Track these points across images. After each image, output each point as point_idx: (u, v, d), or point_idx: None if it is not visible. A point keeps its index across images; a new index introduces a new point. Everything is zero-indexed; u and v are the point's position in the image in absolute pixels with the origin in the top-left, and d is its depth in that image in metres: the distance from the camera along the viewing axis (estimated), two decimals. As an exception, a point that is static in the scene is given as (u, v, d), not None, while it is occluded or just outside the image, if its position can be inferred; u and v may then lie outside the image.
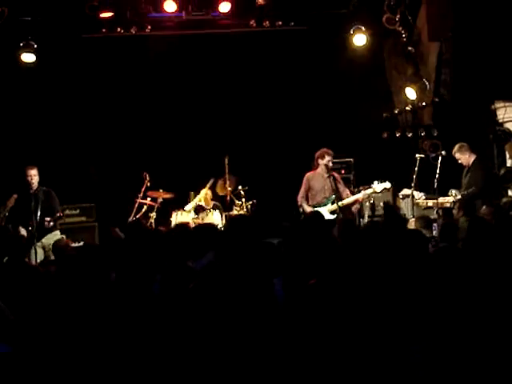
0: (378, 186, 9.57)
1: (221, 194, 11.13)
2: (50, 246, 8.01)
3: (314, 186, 9.67)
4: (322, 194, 9.57)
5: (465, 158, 9.37)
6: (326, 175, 9.54)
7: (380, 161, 11.61)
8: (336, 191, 9.48)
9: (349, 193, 9.76)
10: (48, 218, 8.76)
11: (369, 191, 9.73)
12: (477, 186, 9.06)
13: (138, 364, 3.39)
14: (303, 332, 3.26)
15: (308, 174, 9.81)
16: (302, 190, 9.73)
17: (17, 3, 10.17)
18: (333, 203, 9.39)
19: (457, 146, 9.46)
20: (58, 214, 8.96)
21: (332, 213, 9.37)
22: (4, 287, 4.59)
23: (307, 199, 9.70)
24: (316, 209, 9.06)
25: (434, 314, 3.38)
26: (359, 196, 9.67)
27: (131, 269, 4.53)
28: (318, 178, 9.67)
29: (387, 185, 9.61)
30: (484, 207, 8.13)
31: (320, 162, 9.61)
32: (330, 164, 9.62)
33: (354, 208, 9.69)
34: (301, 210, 9.73)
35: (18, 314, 3.92)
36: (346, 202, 9.47)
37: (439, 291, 3.63)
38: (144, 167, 10.74)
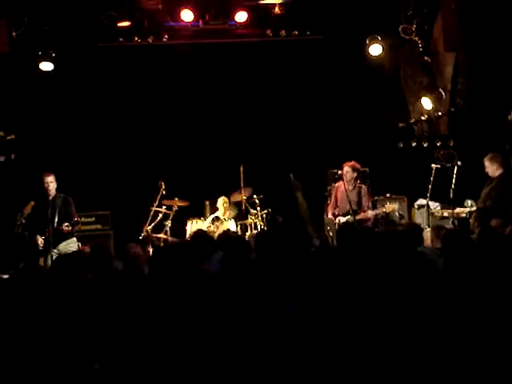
0: (388, 207, 9.67)
1: (235, 201, 11.22)
2: (68, 253, 8.05)
3: (338, 197, 9.74)
4: (344, 204, 9.56)
5: (492, 168, 9.20)
6: (351, 187, 9.54)
7: (395, 171, 11.60)
8: (359, 204, 9.52)
9: (369, 206, 9.75)
10: (66, 223, 8.81)
11: (378, 211, 9.81)
12: (493, 200, 8.99)
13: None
14: (317, 344, 3.25)
15: (335, 185, 9.93)
16: (332, 199, 9.94)
17: (36, 13, 10.28)
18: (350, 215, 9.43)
19: (489, 155, 9.25)
20: (76, 219, 9.01)
21: None
22: (18, 293, 4.62)
23: (336, 207, 9.79)
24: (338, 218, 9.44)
25: (444, 336, 3.35)
26: (368, 214, 9.65)
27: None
28: (341, 189, 9.69)
29: (396, 207, 9.82)
30: (493, 220, 8.10)
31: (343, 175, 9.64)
32: (347, 177, 9.59)
33: (369, 223, 9.69)
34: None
35: (33, 320, 3.94)
36: (359, 217, 9.46)
37: (450, 309, 3.60)
38: (159, 175, 10.79)
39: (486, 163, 9.29)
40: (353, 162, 9.62)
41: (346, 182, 9.52)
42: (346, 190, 9.42)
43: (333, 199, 9.95)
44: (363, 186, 9.83)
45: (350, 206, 9.28)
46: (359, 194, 9.61)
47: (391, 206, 9.73)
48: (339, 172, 9.92)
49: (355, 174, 9.57)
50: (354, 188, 9.57)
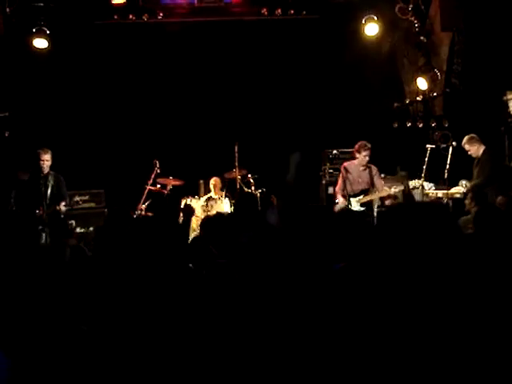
0: (406, 183, 9.79)
1: (229, 177, 11.23)
2: None
3: (349, 177, 9.67)
4: (356, 184, 9.59)
5: (474, 149, 9.36)
6: (362, 168, 9.56)
7: (390, 151, 11.60)
8: (371, 184, 9.53)
9: (383, 184, 9.78)
10: (63, 203, 8.83)
11: (398, 189, 9.78)
12: (484, 176, 9.08)
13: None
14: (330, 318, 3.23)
15: (345, 164, 9.83)
16: (340, 180, 9.79)
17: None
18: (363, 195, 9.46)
19: (466, 138, 9.45)
20: (77, 199, 9.08)
21: (362, 205, 9.42)
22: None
23: (345, 189, 9.70)
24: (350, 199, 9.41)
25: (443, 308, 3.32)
26: (390, 191, 9.66)
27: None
28: (354, 168, 9.68)
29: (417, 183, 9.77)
30: (500, 197, 8.12)
31: (357, 155, 9.63)
32: (367, 158, 9.59)
33: (388, 202, 9.69)
34: (336, 200, 9.76)
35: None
36: (369, 197, 9.47)
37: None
38: (154, 154, 10.77)
39: (466, 147, 9.40)
40: (368, 144, 9.63)
41: (360, 163, 9.54)
42: (358, 171, 9.48)
43: (340, 181, 9.77)
44: (373, 166, 9.80)
45: (371, 185, 9.45)
46: (370, 173, 9.62)
47: (409, 183, 9.72)
48: (334, 152, 10.02)
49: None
50: (365, 169, 9.59)
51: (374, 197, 9.52)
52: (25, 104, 10.98)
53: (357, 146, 9.65)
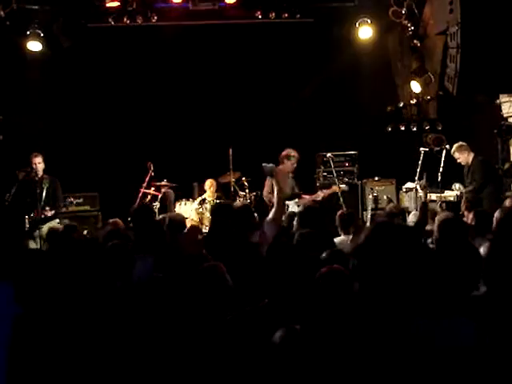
0: (335, 188, 9.74)
1: (224, 181, 11.23)
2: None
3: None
4: (286, 189, 9.52)
5: (464, 157, 9.51)
6: (290, 175, 9.54)
7: (384, 154, 11.64)
8: (296, 190, 9.59)
9: None
10: (48, 207, 8.80)
11: (326, 192, 9.77)
12: (476, 183, 9.20)
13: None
14: None
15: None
16: (267, 185, 9.35)
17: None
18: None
19: (455, 146, 9.55)
20: (62, 208, 9.08)
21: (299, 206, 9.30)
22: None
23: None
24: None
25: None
26: (319, 196, 9.67)
27: None
28: (282, 175, 9.55)
29: (345, 187, 9.86)
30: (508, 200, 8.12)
31: (286, 161, 9.47)
32: (295, 165, 9.53)
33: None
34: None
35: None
36: (310, 199, 9.44)
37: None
38: (148, 157, 10.78)
39: (456, 155, 9.51)
40: (295, 152, 9.52)
41: (289, 170, 9.49)
42: (286, 178, 9.33)
43: (268, 187, 9.33)
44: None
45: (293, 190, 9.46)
46: (294, 179, 9.64)
47: (336, 187, 9.70)
48: (328, 155, 10.08)
49: None
50: (293, 176, 9.61)
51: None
52: (19, 108, 10.96)
53: (285, 153, 9.47)
